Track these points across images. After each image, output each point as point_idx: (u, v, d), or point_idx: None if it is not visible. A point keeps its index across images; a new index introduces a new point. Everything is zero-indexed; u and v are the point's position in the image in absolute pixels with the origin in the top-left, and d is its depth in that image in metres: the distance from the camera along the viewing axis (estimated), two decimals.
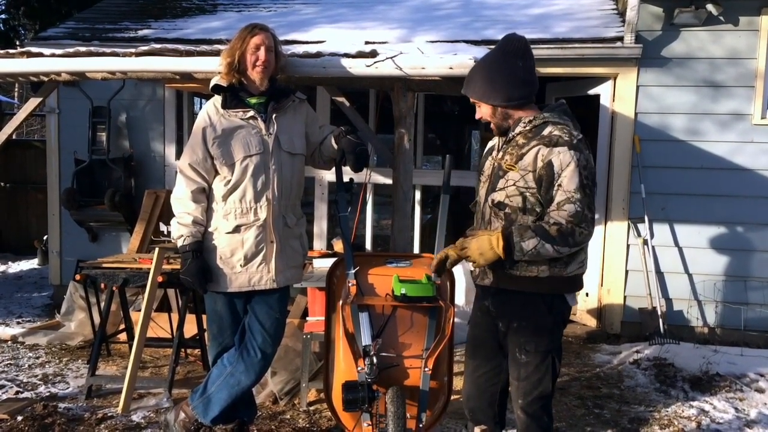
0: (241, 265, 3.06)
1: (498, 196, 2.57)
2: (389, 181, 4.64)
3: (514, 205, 2.52)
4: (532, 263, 2.50)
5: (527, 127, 2.56)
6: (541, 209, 2.50)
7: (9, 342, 5.29)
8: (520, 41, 2.57)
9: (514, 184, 2.52)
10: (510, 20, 6.22)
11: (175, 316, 4.75)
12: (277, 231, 3.10)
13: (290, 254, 3.18)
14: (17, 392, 4.24)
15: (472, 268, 2.72)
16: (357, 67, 3.68)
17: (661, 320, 5.40)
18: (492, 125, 2.65)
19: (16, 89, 17.21)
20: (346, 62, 3.70)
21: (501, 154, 2.62)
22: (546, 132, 2.51)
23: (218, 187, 3.08)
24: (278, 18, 6.64)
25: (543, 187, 2.46)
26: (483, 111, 2.62)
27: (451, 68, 3.59)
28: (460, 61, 3.57)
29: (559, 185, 2.43)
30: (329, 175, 6.09)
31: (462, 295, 5.36)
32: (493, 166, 2.65)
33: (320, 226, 6.35)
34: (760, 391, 4.36)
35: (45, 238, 7.58)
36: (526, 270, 2.53)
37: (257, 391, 3.96)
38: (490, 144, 2.81)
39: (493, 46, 2.70)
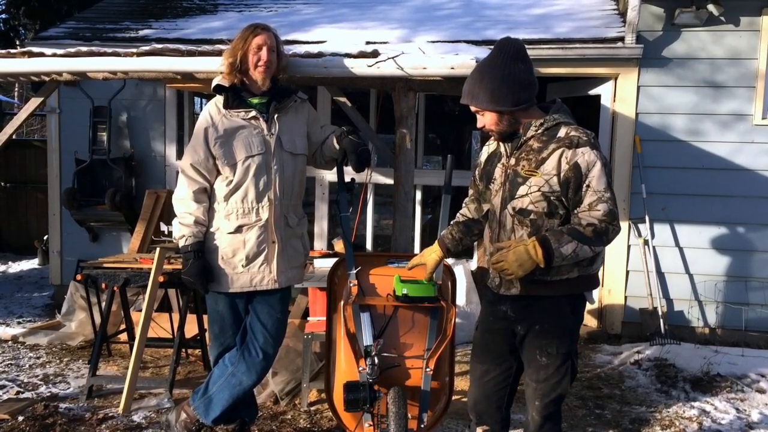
0: (242, 266, 3.06)
1: (520, 203, 2.49)
2: (390, 181, 4.64)
3: (539, 211, 2.46)
4: (563, 267, 2.45)
5: (539, 131, 2.49)
6: (564, 212, 2.46)
7: (10, 342, 5.29)
8: (518, 43, 2.52)
9: (538, 190, 2.44)
10: (511, 20, 6.22)
11: (176, 316, 4.75)
12: (279, 231, 3.10)
13: (292, 254, 3.18)
14: (18, 392, 4.24)
15: (496, 277, 2.62)
16: (358, 67, 3.68)
17: (661, 321, 5.39)
18: (494, 133, 2.57)
19: (16, 89, 17.20)
20: (347, 62, 3.70)
21: (514, 160, 2.53)
22: (562, 134, 2.46)
23: (220, 188, 3.08)
24: (279, 18, 6.64)
25: (571, 189, 2.41)
26: (487, 119, 2.52)
27: (452, 68, 3.59)
28: (462, 61, 3.58)
29: (588, 186, 2.39)
30: (330, 175, 6.09)
31: (463, 295, 5.36)
32: (506, 173, 2.56)
33: (321, 226, 6.35)
34: (761, 391, 4.36)
35: (45, 238, 7.59)
36: (557, 274, 2.47)
37: (258, 392, 3.96)
38: (488, 150, 2.73)
39: (492, 47, 2.67)
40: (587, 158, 2.39)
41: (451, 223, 2.86)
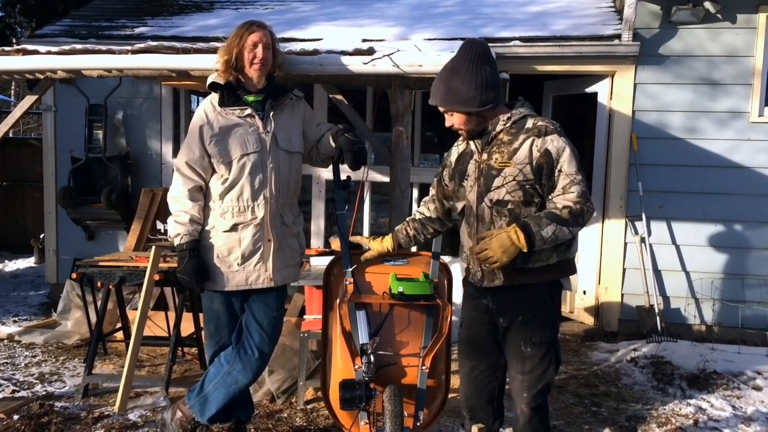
0: (238, 264, 3.05)
1: (497, 195, 2.57)
2: (387, 179, 4.63)
3: (516, 200, 2.55)
4: (543, 253, 2.54)
5: (508, 124, 2.61)
6: (540, 199, 2.56)
7: (5, 341, 5.28)
8: (484, 46, 2.61)
9: (513, 179, 2.54)
10: (508, 18, 6.22)
11: (171, 315, 4.73)
12: (275, 229, 3.09)
13: (288, 253, 3.17)
14: (14, 391, 4.23)
15: (478, 270, 2.68)
16: (354, 65, 3.68)
17: (658, 318, 5.40)
18: (463, 132, 2.67)
19: (13, 87, 17.17)
20: (343, 60, 3.69)
21: (486, 155, 2.63)
22: (530, 124, 2.59)
23: (215, 186, 3.07)
24: (275, 16, 6.63)
25: (544, 175, 2.52)
26: (456, 119, 2.63)
27: None
28: None
29: (560, 170, 2.50)
30: (326, 173, 6.08)
31: (459, 293, 5.35)
32: (479, 168, 2.64)
33: (317, 224, 6.34)
34: (758, 388, 4.36)
35: (41, 236, 7.57)
36: (538, 260, 2.56)
37: (254, 390, 3.95)
38: (457, 150, 2.80)
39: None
40: (557, 144, 2.51)
41: (407, 219, 2.96)
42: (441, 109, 2.64)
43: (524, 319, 2.62)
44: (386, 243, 2.85)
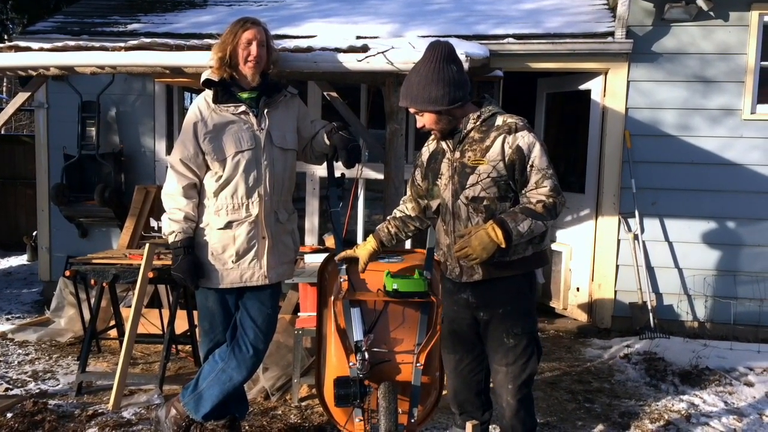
0: (232, 262, 3.05)
1: (472, 192, 2.64)
2: (381, 177, 4.64)
3: (491, 196, 2.62)
4: (519, 246, 2.61)
5: (478, 122, 2.67)
6: (513, 194, 2.64)
7: None
8: (448, 46, 2.66)
9: (488, 176, 2.61)
10: (502, 15, 6.22)
11: (165, 312, 4.73)
12: (269, 227, 3.09)
13: (282, 250, 3.17)
14: (7, 389, 4.22)
15: (456, 267, 2.74)
16: (348, 62, 3.67)
17: (651, 315, 5.42)
18: (435, 131, 2.72)
19: (5, 84, 17.07)
20: (337, 57, 3.69)
21: (458, 153, 2.68)
22: (500, 122, 2.65)
23: (209, 183, 3.06)
24: (269, 12, 6.61)
25: (517, 171, 2.59)
26: (426, 119, 2.67)
27: None
28: None
29: (532, 165, 2.57)
30: (321, 171, 6.07)
31: None
32: (452, 166, 2.70)
33: (312, 221, 6.34)
34: (750, 384, 4.39)
35: (34, 233, 7.53)
36: (515, 253, 2.64)
37: (249, 387, 3.95)
38: (428, 149, 2.85)
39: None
40: (527, 140, 2.59)
41: (388, 218, 3.01)
42: (411, 110, 2.69)
43: (505, 311, 2.69)
44: (369, 245, 2.86)
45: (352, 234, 6.36)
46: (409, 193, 2.98)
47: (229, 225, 3.04)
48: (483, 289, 2.71)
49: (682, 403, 4.11)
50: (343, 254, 2.85)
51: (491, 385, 2.91)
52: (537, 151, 2.57)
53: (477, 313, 2.76)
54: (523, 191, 2.60)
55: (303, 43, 3.95)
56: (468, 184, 2.64)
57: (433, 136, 2.83)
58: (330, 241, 5.00)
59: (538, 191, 2.56)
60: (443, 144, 2.76)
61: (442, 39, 2.72)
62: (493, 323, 2.71)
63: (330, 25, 6.07)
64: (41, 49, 4.05)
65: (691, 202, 5.53)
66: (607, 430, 3.77)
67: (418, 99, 2.63)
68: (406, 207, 2.97)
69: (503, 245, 2.50)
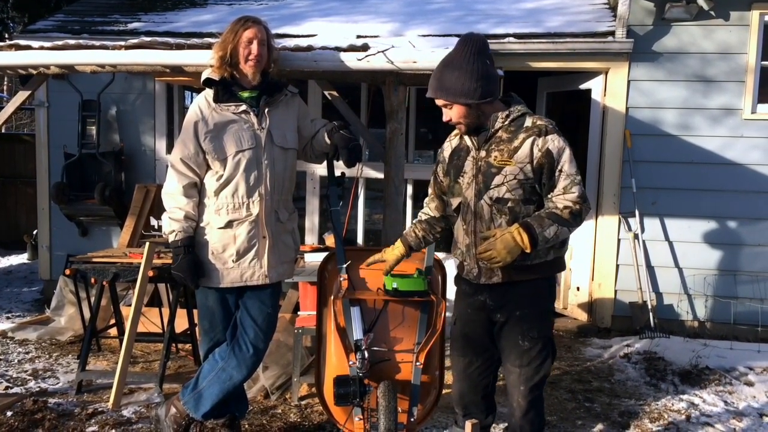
0: (233, 261, 3.05)
1: (497, 193, 2.57)
2: (381, 176, 4.63)
3: (516, 198, 2.57)
4: (541, 250, 2.56)
5: (506, 122, 2.60)
6: (538, 197, 2.58)
7: None
8: (482, 39, 2.60)
9: (514, 178, 2.55)
10: (502, 14, 6.22)
11: (165, 311, 4.73)
12: (270, 226, 3.09)
13: (282, 249, 3.17)
14: (7, 388, 4.22)
15: (474, 267, 2.67)
16: (348, 61, 3.67)
17: (651, 314, 5.42)
18: (462, 126, 2.63)
19: (6, 83, 17.07)
20: (337, 56, 3.69)
21: (484, 152, 2.61)
22: (529, 123, 2.59)
23: (210, 182, 3.06)
24: (270, 11, 6.61)
25: (545, 175, 2.54)
26: (454, 112, 2.59)
27: None
28: None
29: (560, 170, 2.52)
30: (321, 170, 6.07)
31: (453, 289, 5.36)
32: (477, 165, 2.63)
33: (312, 220, 6.34)
34: (749, 384, 4.39)
35: (35, 232, 7.53)
36: (537, 257, 2.59)
37: (249, 386, 3.95)
38: (450, 146, 2.78)
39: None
40: (557, 144, 2.53)
41: (414, 221, 2.94)
42: (440, 102, 2.61)
43: (522, 314, 2.64)
44: (397, 250, 2.82)
45: (352, 233, 6.37)
46: (431, 191, 2.90)
47: (229, 224, 3.04)
48: (501, 292, 2.66)
49: (682, 403, 4.11)
50: (371, 259, 2.82)
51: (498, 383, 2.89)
52: (566, 156, 2.52)
53: (493, 315, 2.70)
54: (550, 195, 2.55)
55: (303, 42, 3.95)
56: (493, 184, 2.57)
57: (456, 132, 2.75)
58: (330, 240, 5.00)
59: (565, 197, 2.51)
60: (467, 140, 2.68)
61: (474, 33, 2.64)
62: (510, 325, 2.66)
63: (330, 24, 6.08)
64: (42, 48, 4.05)
65: (692, 201, 5.53)
66: (606, 430, 3.77)
67: (450, 91, 2.54)
68: (429, 208, 2.90)
69: (528, 250, 2.45)
